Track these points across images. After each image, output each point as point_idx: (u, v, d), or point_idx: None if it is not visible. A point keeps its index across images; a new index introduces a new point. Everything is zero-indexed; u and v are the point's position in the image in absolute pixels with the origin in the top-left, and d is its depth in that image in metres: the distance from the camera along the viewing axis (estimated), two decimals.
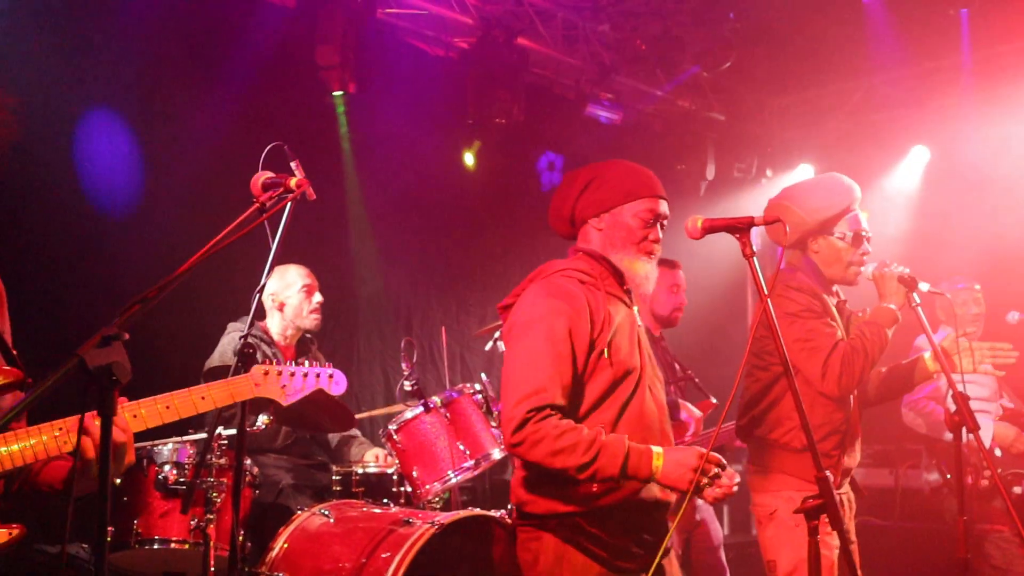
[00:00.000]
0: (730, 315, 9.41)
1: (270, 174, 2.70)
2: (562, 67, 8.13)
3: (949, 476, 5.61)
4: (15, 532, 2.34)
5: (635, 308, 3.23)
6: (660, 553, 3.04)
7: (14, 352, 2.43)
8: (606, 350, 3.02)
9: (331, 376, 2.96)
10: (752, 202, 9.11)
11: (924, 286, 3.89)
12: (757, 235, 8.52)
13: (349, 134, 6.98)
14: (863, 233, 4.06)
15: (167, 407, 2.46)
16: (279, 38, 6.40)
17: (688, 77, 8.45)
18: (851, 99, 8.91)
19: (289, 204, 2.62)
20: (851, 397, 4.05)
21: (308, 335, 5.54)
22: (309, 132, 6.53)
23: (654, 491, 3.04)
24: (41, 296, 5.09)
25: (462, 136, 7.63)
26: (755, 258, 3.02)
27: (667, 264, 5.71)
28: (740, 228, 3.06)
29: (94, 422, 2.29)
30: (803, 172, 9.29)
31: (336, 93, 6.67)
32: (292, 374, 2.79)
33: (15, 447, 2.32)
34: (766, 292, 2.99)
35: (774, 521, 4.05)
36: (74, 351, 2.02)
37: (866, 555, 4.06)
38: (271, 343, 5.37)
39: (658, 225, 3.20)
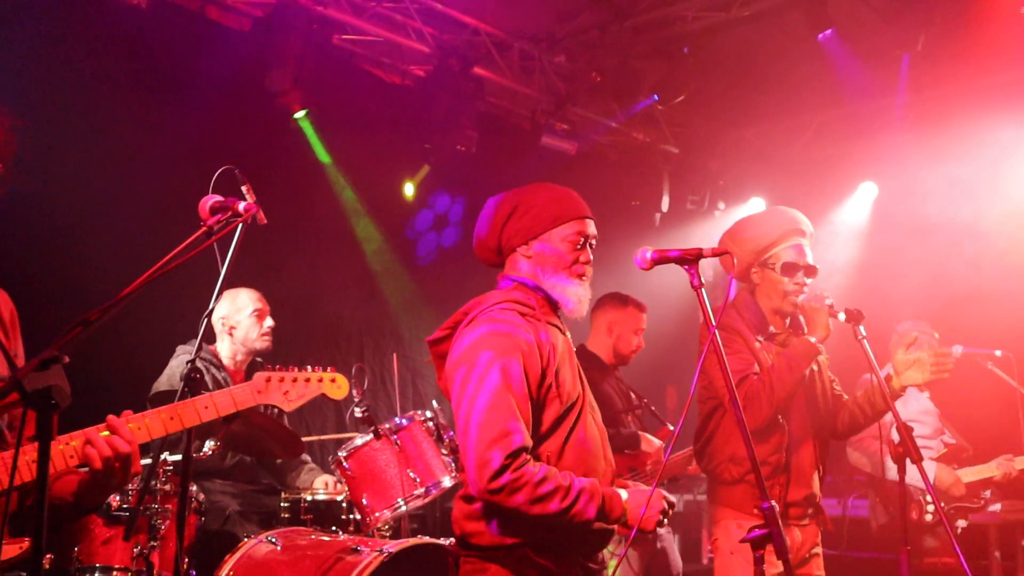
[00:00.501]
0: (680, 344, 9.47)
1: (218, 198, 2.68)
2: (518, 97, 8.18)
3: (895, 515, 5.67)
4: (25, 546, 2.31)
5: (567, 334, 3.21)
6: None
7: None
8: (554, 382, 3.01)
9: (333, 380, 2.94)
10: (704, 234, 9.21)
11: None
12: (710, 266, 8.65)
13: (302, 156, 6.97)
14: (799, 263, 4.09)
15: (171, 417, 2.45)
16: (235, 61, 6.39)
17: (643, 109, 8.55)
18: (803, 134, 9.07)
19: (239, 228, 2.59)
20: (783, 429, 4.06)
21: (259, 359, 5.50)
22: (262, 156, 6.51)
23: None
24: None
25: (413, 163, 7.65)
26: (703, 289, 3.05)
27: (635, 306, 5.74)
28: (689, 260, 3.09)
29: (99, 435, 2.28)
30: (755, 205, 9.41)
31: (299, 115, 6.68)
32: (295, 379, 2.74)
33: (23, 463, 2.31)
34: (713, 323, 3.02)
35: (718, 551, 4.11)
36: (11, 374, 1.99)
37: None
38: (220, 366, 5.32)
39: (588, 246, 3.17)
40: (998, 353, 5.86)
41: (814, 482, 4.16)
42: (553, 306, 3.17)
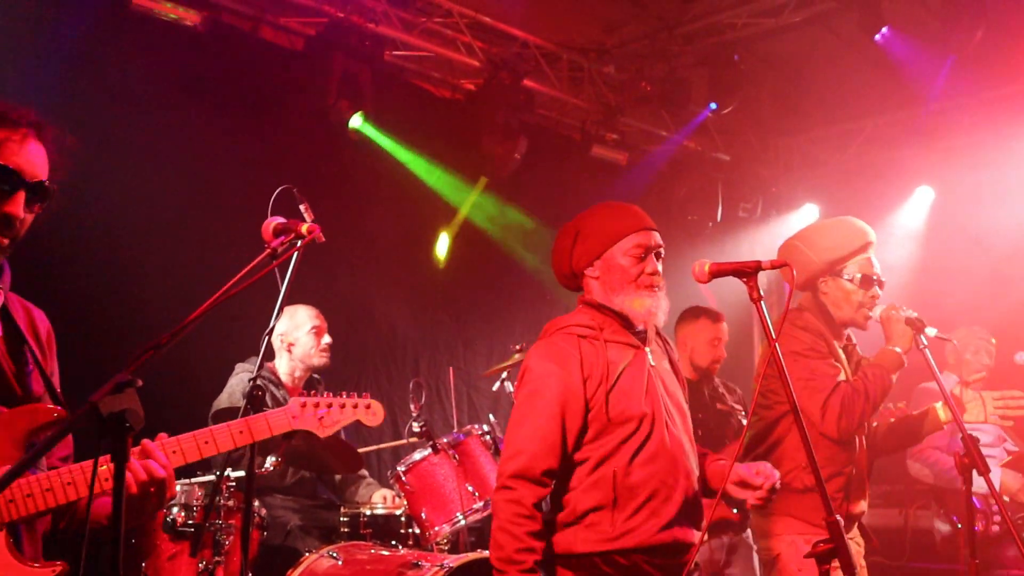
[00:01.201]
0: (736, 356, 9.40)
1: (281, 219, 2.72)
2: (567, 107, 8.20)
3: (960, 525, 5.57)
4: (58, 569, 2.35)
5: (647, 349, 3.23)
6: None
7: (58, 392, 2.47)
8: (606, 400, 3.05)
9: (368, 406, 2.96)
10: (757, 242, 9.14)
11: (931, 331, 3.88)
12: (764, 275, 8.59)
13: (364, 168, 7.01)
14: (873, 276, 4.06)
15: (206, 442, 2.49)
16: (288, 80, 6.48)
17: (693, 116, 8.52)
18: (856, 139, 8.97)
19: (300, 248, 2.63)
20: (857, 441, 4.03)
21: (316, 376, 5.56)
22: (317, 172, 6.59)
23: (675, 534, 3.05)
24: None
25: (468, 173, 7.68)
26: (762, 302, 3.03)
27: (710, 316, 5.71)
28: (747, 272, 3.07)
29: (134, 459, 2.32)
30: (807, 212, 9.32)
31: (354, 122, 6.71)
32: (330, 405, 2.79)
33: (58, 484, 2.35)
34: (774, 336, 3.00)
35: (778, 566, 4.02)
36: (88, 398, 2.04)
37: None
38: (279, 384, 5.38)
39: (652, 256, 3.21)
40: None
41: (866, 495, 4.13)
42: (624, 322, 3.20)
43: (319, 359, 5.45)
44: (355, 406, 2.90)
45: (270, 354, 5.48)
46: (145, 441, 2.41)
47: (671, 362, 3.36)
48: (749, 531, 5.15)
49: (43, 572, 2.34)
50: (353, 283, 7.00)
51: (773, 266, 3.12)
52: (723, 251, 8.92)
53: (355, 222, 6.91)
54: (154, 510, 2.43)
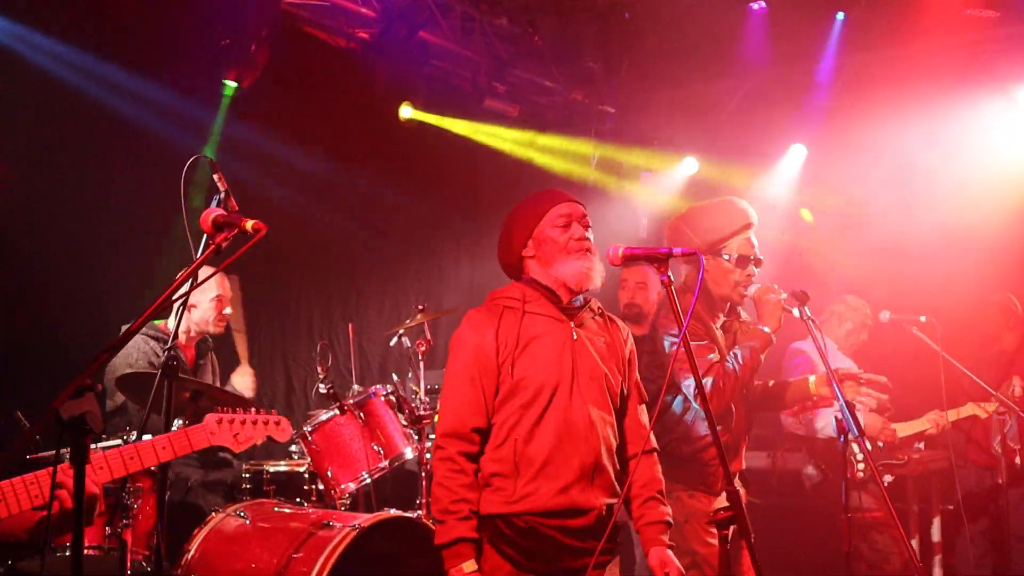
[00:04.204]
0: None
1: (221, 212, 2.72)
2: (459, 59, 8.22)
3: (828, 473, 6.00)
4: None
5: (573, 324, 3.40)
6: (593, 559, 3.24)
7: None
8: (512, 367, 3.27)
9: (278, 423, 3.25)
10: (640, 194, 9.41)
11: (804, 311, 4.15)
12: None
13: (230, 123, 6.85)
14: (750, 256, 4.33)
15: (131, 458, 2.59)
16: (171, 25, 6.32)
17: (580, 70, 8.66)
18: (735, 95, 9.24)
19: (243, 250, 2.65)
20: (733, 410, 4.32)
21: (209, 338, 5.56)
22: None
23: (572, 498, 3.25)
24: None
25: (360, 125, 7.64)
26: (672, 287, 3.24)
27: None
28: (659, 258, 3.28)
29: (67, 476, 2.35)
30: (687, 165, 9.59)
31: (230, 84, 6.60)
32: (243, 422, 2.98)
33: None
34: (684, 321, 3.19)
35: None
36: (49, 404, 2.08)
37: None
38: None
39: (577, 224, 3.41)
40: (923, 319, 6.18)
41: (743, 456, 4.46)
42: (555, 297, 3.40)
43: (215, 328, 5.47)
44: (266, 423, 3.19)
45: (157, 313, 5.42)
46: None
47: (613, 343, 3.49)
48: None
49: None
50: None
51: (684, 254, 3.33)
52: (609, 203, 9.15)
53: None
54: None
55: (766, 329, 4.22)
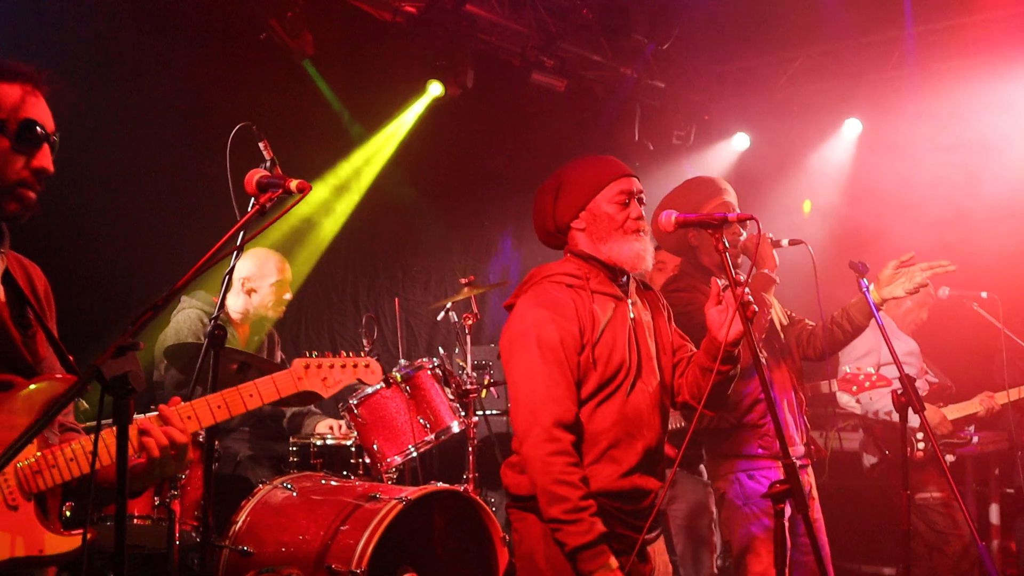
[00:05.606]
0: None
1: (265, 173, 2.68)
2: (507, 33, 8.12)
3: (888, 452, 5.85)
4: (90, 537, 2.37)
5: (629, 302, 3.28)
6: (643, 536, 3.15)
7: (65, 352, 2.44)
8: (592, 352, 3.12)
9: (367, 365, 2.99)
10: (691, 170, 9.25)
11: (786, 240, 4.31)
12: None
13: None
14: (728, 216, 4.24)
15: (218, 406, 2.49)
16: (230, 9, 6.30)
17: (630, 44, 8.51)
18: (789, 68, 9.06)
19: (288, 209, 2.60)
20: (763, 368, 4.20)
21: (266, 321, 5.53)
22: (263, 108, 6.41)
23: (634, 481, 3.16)
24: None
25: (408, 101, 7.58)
26: (727, 253, 3.13)
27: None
28: (713, 224, 3.18)
29: (153, 423, 2.33)
30: (739, 141, 9.44)
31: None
32: (331, 366, 2.80)
33: (81, 454, 2.36)
34: (739, 281, 3.09)
35: (726, 503, 4.25)
36: (91, 362, 2.05)
37: None
38: (228, 320, 5.32)
39: (635, 201, 3.25)
40: (984, 295, 6.02)
41: (803, 419, 4.32)
42: (610, 273, 3.25)
43: (274, 312, 5.42)
44: (355, 365, 2.92)
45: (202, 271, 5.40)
46: (162, 407, 2.42)
47: (657, 317, 3.40)
48: (703, 467, 5.32)
49: (74, 540, 2.37)
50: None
51: (739, 219, 3.24)
52: (658, 177, 9.02)
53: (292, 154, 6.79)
54: (172, 475, 2.45)
55: (765, 270, 4.21)
